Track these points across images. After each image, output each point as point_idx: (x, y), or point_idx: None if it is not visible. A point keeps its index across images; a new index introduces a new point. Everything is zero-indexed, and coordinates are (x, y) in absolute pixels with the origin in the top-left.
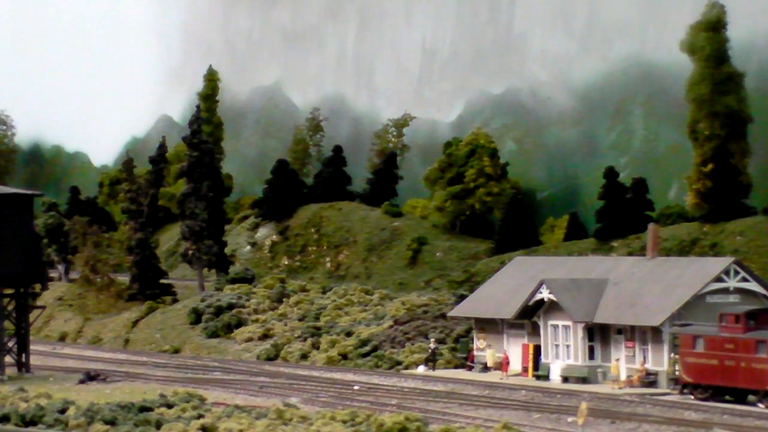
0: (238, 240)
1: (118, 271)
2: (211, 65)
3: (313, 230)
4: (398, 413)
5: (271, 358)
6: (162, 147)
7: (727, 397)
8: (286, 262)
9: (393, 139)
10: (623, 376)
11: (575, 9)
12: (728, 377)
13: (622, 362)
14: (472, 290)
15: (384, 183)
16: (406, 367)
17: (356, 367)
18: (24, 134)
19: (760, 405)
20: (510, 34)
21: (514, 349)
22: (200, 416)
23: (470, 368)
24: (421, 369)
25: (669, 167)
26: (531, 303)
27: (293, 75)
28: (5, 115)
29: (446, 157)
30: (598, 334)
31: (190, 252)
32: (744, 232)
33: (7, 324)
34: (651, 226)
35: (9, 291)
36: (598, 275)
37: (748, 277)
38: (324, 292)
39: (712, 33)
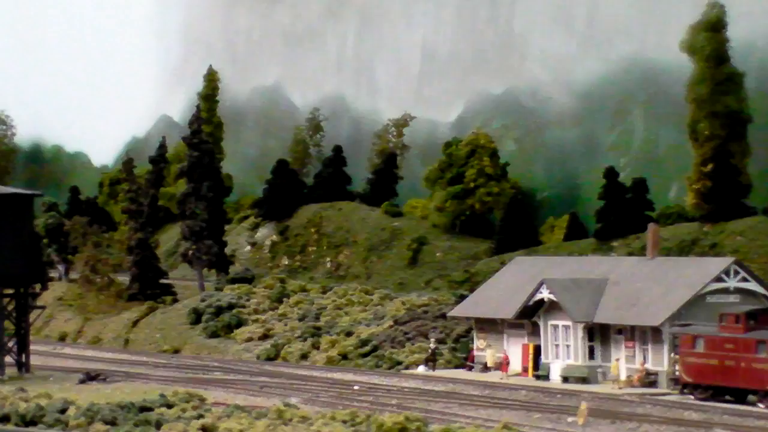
0: (238, 240)
1: (118, 271)
2: (211, 65)
3: (313, 230)
4: (398, 413)
5: (271, 358)
6: (162, 147)
7: (727, 397)
8: (286, 262)
9: (393, 139)
10: (623, 376)
11: (575, 9)
12: (728, 377)
13: (622, 362)
14: (472, 290)
15: (384, 183)
16: (406, 367)
17: (356, 367)
18: (24, 134)
19: (760, 405)
20: (510, 34)
21: (514, 349)
22: (200, 416)
23: (470, 368)
24: (421, 369)
25: (669, 167)
26: (531, 303)
27: (293, 75)
28: (5, 115)
29: (446, 157)
30: (598, 334)
31: (190, 252)
32: (744, 232)
33: (7, 324)
34: (651, 226)
35: (9, 291)
36: (598, 275)
37: (748, 277)
38: (324, 292)
39: (712, 33)
